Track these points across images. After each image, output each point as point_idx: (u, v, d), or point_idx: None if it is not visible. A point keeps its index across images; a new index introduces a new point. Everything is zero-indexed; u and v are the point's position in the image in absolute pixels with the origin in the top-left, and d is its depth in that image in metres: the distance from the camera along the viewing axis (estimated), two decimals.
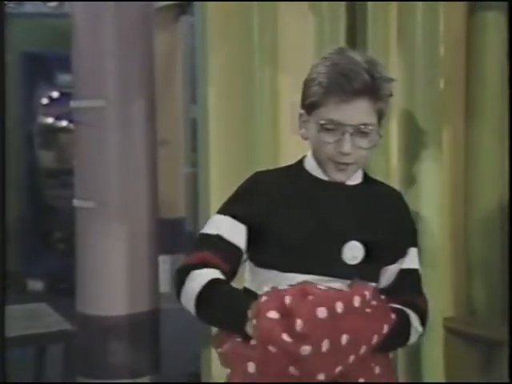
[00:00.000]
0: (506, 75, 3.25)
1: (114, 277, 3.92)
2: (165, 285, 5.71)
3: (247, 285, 2.03)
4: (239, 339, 1.77)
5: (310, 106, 1.93)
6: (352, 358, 1.73)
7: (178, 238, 6.46)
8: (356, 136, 1.88)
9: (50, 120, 7.86)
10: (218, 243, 1.92)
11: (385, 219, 2.00)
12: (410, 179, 3.04)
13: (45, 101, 7.81)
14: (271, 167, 2.16)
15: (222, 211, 2.00)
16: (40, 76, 7.62)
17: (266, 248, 1.93)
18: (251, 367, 1.73)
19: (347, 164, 1.92)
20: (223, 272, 1.88)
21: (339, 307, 1.70)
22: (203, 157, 3.55)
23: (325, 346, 1.67)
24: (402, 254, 2.05)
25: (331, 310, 1.68)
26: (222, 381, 3.33)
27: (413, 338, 2.02)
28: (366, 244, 1.93)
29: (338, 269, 1.90)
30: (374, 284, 1.94)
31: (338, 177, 1.95)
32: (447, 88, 3.16)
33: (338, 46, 2.01)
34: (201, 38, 3.51)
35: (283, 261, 1.91)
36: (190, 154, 6.94)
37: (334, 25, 3.23)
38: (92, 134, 3.95)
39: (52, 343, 4.16)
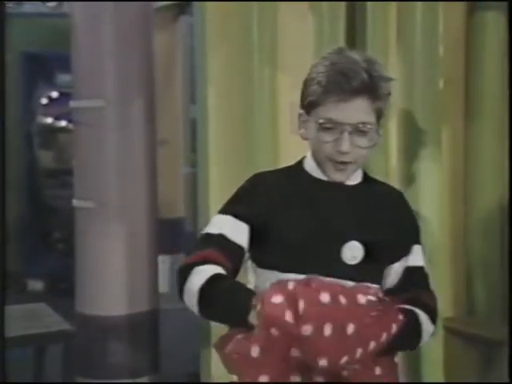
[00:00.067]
0: (506, 75, 3.25)
1: (113, 277, 3.92)
2: (164, 285, 5.71)
3: (250, 286, 2.02)
4: (242, 339, 1.76)
5: (309, 106, 1.93)
6: (360, 351, 1.72)
7: (177, 238, 6.46)
8: (355, 135, 1.88)
9: (49, 120, 7.86)
10: (221, 242, 1.92)
11: (385, 219, 2.00)
12: (410, 179, 3.04)
13: (44, 101, 7.81)
14: (271, 167, 2.17)
15: (224, 211, 2.00)
16: (39, 76, 7.62)
17: (266, 248, 1.93)
18: (254, 351, 1.72)
19: (346, 163, 1.92)
20: (226, 269, 1.88)
21: (343, 299, 1.70)
22: (203, 157, 3.55)
23: (327, 330, 1.66)
24: (406, 252, 2.04)
25: (334, 298, 1.69)
26: (222, 381, 3.34)
27: (425, 338, 2.00)
28: (365, 244, 1.93)
29: (338, 269, 1.90)
30: (375, 285, 1.94)
31: (338, 177, 1.95)
32: (446, 88, 3.17)
33: (337, 46, 2.01)
34: (200, 38, 3.51)
35: (283, 261, 1.90)
36: (190, 154, 6.94)
37: (333, 25, 3.24)
38: (91, 134, 3.95)
39: (51, 343, 4.16)
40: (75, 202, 4.05)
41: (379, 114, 1.93)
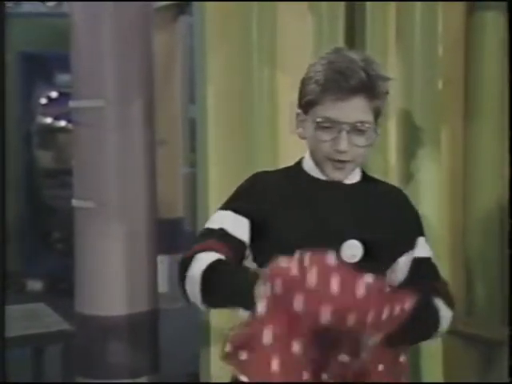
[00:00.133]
0: (505, 75, 3.25)
1: (112, 277, 3.92)
2: (163, 285, 5.72)
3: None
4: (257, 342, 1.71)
5: (306, 105, 1.94)
6: (371, 315, 1.65)
7: (176, 238, 6.46)
8: (353, 134, 1.88)
9: (48, 120, 7.87)
10: (222, 235, 1.92)
11: (383, 217, 2.00)
12: (409, 179, 3.04)
13: (43, 101, 7.81)
14: (270, 167, 2.17)
15: (224, 207, 2.00)
16: (39, 76, 7.63)
17: (265, 248, 1.92)
18: (267, 336, 1.67)
19: (344, 162, 1.93)
20: (228, 259, 1.86)
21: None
22: (202, 157, 3.55)
23: (334, 285, 1.61)
24: (410, 246, 2.04)
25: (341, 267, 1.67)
26: (221, 381, 3.34)
27: (444, 324, 1.97)
28: (364, 242, 1.93)
29: None
30: None
31: (336, 175, 1.96)
32: (446, 88, 3.17)
33: (335, 46, 2.02)
34: (199, 38, 3.51)
35: None
36: (189, 154, 6.95)
37: (332, 25, 3.24)
38: (91, 134, 3.95)
39: (51, 343, 4.17)
40: (75, 202, 4.05)
41: (377, 113, 1.93)
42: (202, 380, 3.64)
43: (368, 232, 1.94)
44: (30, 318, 4.16)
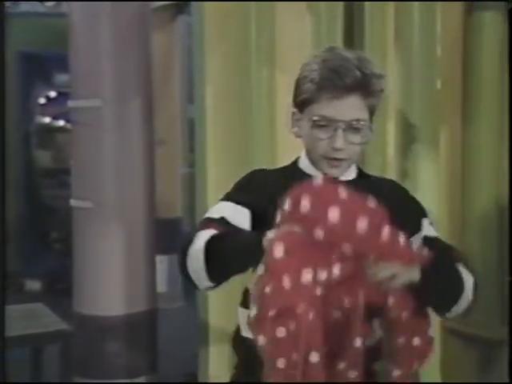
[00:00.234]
0: (504, 75, 3.26)
1: (111, 277, 3.92)
2: (162, 285, 5.73)
3: (248, 286, 2.03)
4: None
5: (302, 104, 1.94)
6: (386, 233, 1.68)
7: (175, 238, 6.45)
8: (348, 132, 1.89)
9: (47, 120, 7.86)
10: (223, 224, 1.90)
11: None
12: (407, 178, 3.04)
13: (42, 100, 7.81)
14: (269, 167, 2.17)
15: (224, 199, 2.01)
16: (37, 76, 7.62)
17: None
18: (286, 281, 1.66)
19: (340, 160, 1.93)
20: None
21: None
22: (200, 157, 3.55)
23: (332, 214, 1.64)
24: (417, 228, 2.02)
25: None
26: (219, 380, 3.34)
27: (468, 289, 1.93)
28: None
29: None
30: None
31: (333, 172, 1.96)
32: (444, 88, 3.18)
33: (328, 45, 2.03)
34: (198, 38, 3.52)
35: None
36: (188, 154, 6.95)
37: (331, 25, 3.24)
38: (89, 133, 3.95)
39: (49, 343, 4.17)
40: (73, 202, 4.05)
41: (372, 111, 1.94)
42: (200, 380, 3.65)
43: None
44: (29, 317, 4.16)
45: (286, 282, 1.64)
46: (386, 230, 1.69)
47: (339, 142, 1.88)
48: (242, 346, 2.06)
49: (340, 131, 1.88)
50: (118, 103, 3.91)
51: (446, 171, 3.32)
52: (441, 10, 3.10)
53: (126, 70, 3.94)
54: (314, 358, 1.69)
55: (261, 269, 1.69)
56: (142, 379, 3.97)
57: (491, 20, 3.31)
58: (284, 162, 2.12)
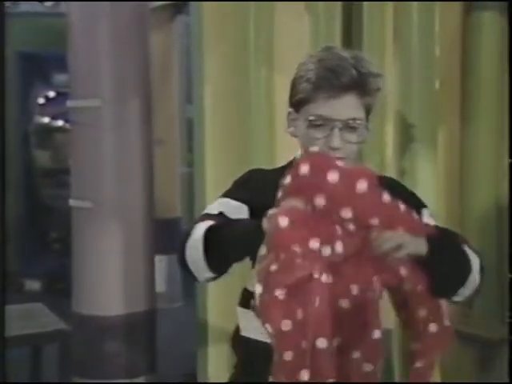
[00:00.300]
0: (503, 75, 3.26)
1: (110, 276, 3.92)
2: (161, 285, 5.73)
3: (247, 286, 2.03)
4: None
5: (298, 103, 1.94)
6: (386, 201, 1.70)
7: (174, 238, 6.45)
8: (345, 131, 1.89)
9: (46, 120, 7.86)
10: (221, 218, 1.91)
11: None
12: (406, 178, 3.04)
13: (41, 100, 7.81)
14: (267, 167, 2.17)
15: (222, 196, 2.02)
16: (36, 76, 7.63)
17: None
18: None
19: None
20: None
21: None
22: (199, 157, 3.56)
23: (331, 177, 1.66)
24: None
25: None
26: (218, 380, 3.34)
27: (475, 269, 1.91)
28: None
29: None
30: None
31: None
32: (443, 88, 3.18)
33: (324, 45, 2.03)
34: (197, 38, 3.52)
35: None
36: (186, 154, 6.94)
37: (329, 25, 3.25)
38: (88, 133, 3.95)
39: (48, 343, 4.17)
40: (72, 202, 4.05)
41: (368, 110, 1.94)
42: (199, 380, 3.65)
43: None
44: (28, 317, 4.17)
45: (296, 249, 1.63)
46: (386, 195, 1.70)
47: (336, 142, 1.88)
48: (241, 345, 2.06)
49: (336, 130, 1.88)
50: (117, 103, 3.91)
51: (445, 171, 3.33)
52: (439, 10, 3.11)
53: (125, 69, 3.94)
54: (322, 343, 1.66)
55: (263, 249, 1.69)
56: (141, 379, 3.97)
57: (490, 20, 3.32)
58: (282, 161, 2.12)
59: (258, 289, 1.67)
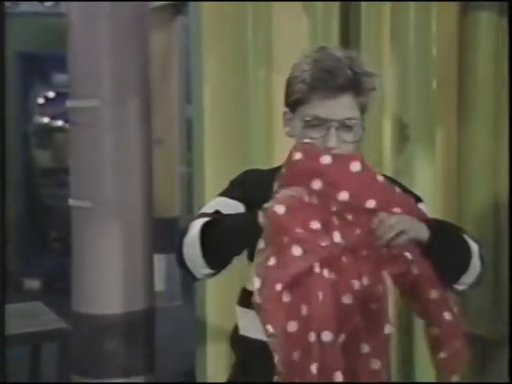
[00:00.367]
0: (500, 75, 3.27)
1: (109, 275, 3.93)
2: (160, 283, 5.73)
3: (246, 285, 2.04)
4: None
5: (294, 104, 1.96)
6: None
7: (173, 237, 6.45)
8: (341, 130, 1.90)
9: (46, 120, 7.87)
10: (217, 215, 1.93)
11: None
12: (403, 178, 3.05)
13: (41, 100, 7.82)
14: (266, 167, 2.19)
15: (219, 195, 2.04)
16: (36, 76, 7.63)
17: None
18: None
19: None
20: None
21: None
22: (198, 156, 3.56)
23: (324, 160, 1.70)
24: None
25: None
26: (217, 379, 3.35)
27: (475, 256, 1.94)
28: None
29: None
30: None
31: None
32: (440, 88, 3.18)
33: (319, 45, 2.04)
34: (195, 38, 3.52)
35: None
36: (185, 154, 6.94)
37: (327, 25, 3.25)
38: (87, 133, 3.96)
39: (48, 341, 4.18)
40: (71, 202, 4.05)
41: (363, 109, 1.95)
42: (197, 378, 3.65)
43: None
44: (27, 316, 4.17)
45: (298, 230, 1.66)
46: (379, 175, 1.73)
47: (332, 141, 1.89)
48: (239, 344, 2.08)
49: (333, 130, 1.89)
50: (117, 103, 3.92)
51: (442, 171, 3.32)
52: (436, 11, 3.11)
53: (125, 70, 3.95)
54: (327, 337, 1.67)
55: (261, 244, 1.70)
56: (140, 377, 3.98)
57: (486, 20, 3.31)
58: (281, 161, 2.13)
59: (256, 283, 1.68)
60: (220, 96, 3.46)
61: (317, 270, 1.67)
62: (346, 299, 1.72)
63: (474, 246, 1.96)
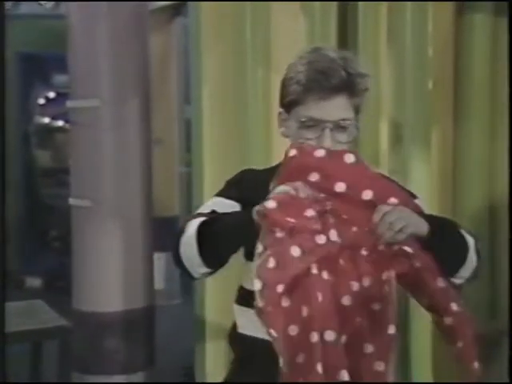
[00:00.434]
0: (499, 75, 3.27)
1: (109, 274, 3.93)
2: (159, 282, 5.75)
3: (243, 283, 2.06)
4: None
5: (289, 105, 1.97)
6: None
7: (172, 236, 6.46)
8: (336, 131, 1.92)
9: (46, 120, 7.89)
10: (213, 214, 1.94)
11: None
12: (399, 178, 3.07)
13: (41, 101, 7.83)
14: (264, 167, 2.19)
15: (215, 195, 2.05)
16: (36, 76, 7.64)
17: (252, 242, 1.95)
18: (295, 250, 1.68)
19: None
20: None
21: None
22: (197, 156, 3.57)
23: (318, 154, 1.75)
24: None
25: None
26: (216, 376, 3.37)
27: (471, 249, 1.96)
28: None
29: None
30: None
31: None
32: (436, 88, 3.19)
33: (313, 46, 2.05)
34: (194, 39, 3.53)
35: None
36: (184, 154, 6.95)
37: (325, 25, 3.26)
38: (87, 133, 3.96)
39: (48, 339, 4.19)
40: (71, 201, 4.06)
41: (357, 110, 1.97)
42: (196, 375, 3.67)
43: None
44: (28, 314, 4.18)
45: (293, 220, 1.67)
46: (374, 169, 1.76)
47: (327, 142, 1.90)
48: (238, 342, 2.09)
49: (327, 131, 1.91)
50: (116, 103, 3.92)
51: (438, 171, 3.31)
52: (432, 11, 3.12)
53: (124, 70, 3.95)
54: (330, 336, 1.67)
55: (259, 247, 1.71)
56: (139, 374, 3.99)
57: (482, 21, 3.30)
58: (280, 161, 2.15)
59: (257, 285, 1.68)
60: (219, 96, 3.47)
61: (315, 271, 1.68)
62: (345, 301, 1.72)
63: (470, 240, 1.98)
